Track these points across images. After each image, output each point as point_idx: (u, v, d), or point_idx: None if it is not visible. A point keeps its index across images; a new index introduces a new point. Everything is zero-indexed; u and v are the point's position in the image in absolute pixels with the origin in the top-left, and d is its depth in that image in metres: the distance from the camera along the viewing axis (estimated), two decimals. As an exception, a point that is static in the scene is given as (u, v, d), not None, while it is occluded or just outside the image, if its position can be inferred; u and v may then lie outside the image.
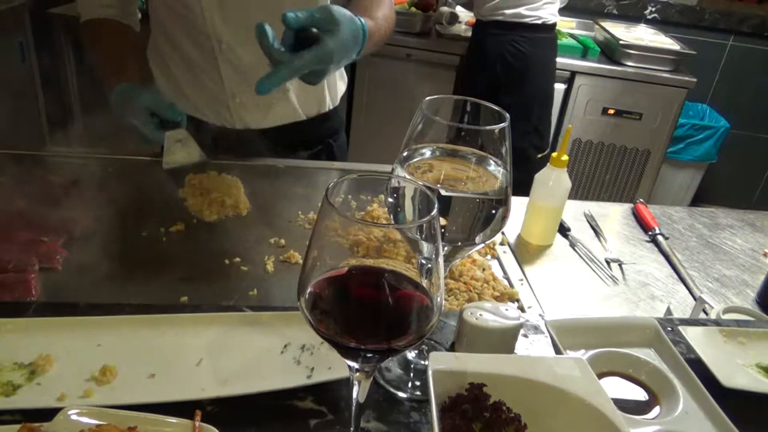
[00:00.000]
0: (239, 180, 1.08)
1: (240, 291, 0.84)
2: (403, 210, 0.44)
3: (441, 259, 0.38)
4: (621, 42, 2.53)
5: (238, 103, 1.19)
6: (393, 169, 0.50)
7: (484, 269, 0.91)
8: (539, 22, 2.25)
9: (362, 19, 0.87)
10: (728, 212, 1.34)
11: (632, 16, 2.97)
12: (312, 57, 0.79)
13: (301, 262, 0.91)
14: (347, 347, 0.39)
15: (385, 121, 2.74)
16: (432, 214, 0.36)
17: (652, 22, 2.96)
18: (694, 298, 0.98)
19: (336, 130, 1.36)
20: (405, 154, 0.51)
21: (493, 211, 0.48)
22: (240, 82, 1.17)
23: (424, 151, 0.51)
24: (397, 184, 0.46)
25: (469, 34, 2.65)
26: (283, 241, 0.95)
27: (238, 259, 0.90)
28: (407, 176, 0.48)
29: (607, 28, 2.63)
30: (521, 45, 2.25)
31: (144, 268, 0.86)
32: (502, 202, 0.49)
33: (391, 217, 0.47)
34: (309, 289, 0.40)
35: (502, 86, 2.30)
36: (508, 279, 0.95)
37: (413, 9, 2.66)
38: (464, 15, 2.76)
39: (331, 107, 1.30)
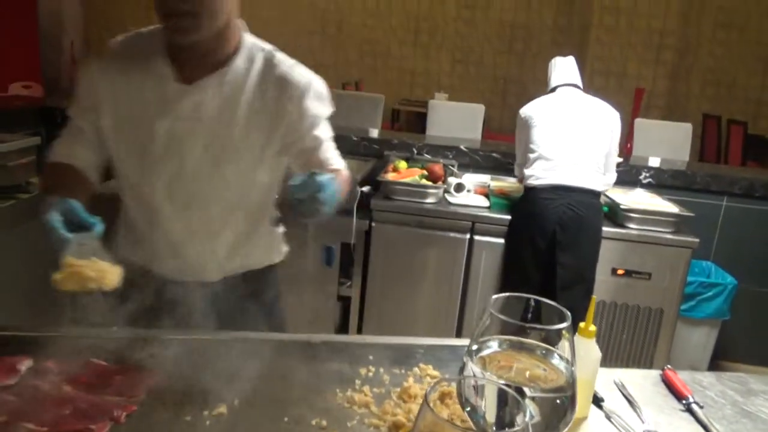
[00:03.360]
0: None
1: (287, 478, 0.83)
2: (481, 406, 0.47)
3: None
4: (622, 206, 2.68)
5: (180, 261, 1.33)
6: (464, 364, 0.54)
7: (529, 448, 0.90)
8: (591, 187, 2.51)
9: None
10: (758, 377, 1.33)
11: (628, 181, 3.16)
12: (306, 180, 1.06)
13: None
14: None
15: (400, 285, 2.81)
16: (526, 419, 0.39)
17: (647, 186, 3.14)
18: (743, 474, 0.95)
19: (262, 291, 1.45)
20: (475, 347, 0.55)
21: (565, 406, 0.51)
22: (179, 246, 1.31)
23: (491, 344, 0.54)
24: (474, 382, 0.49)
25: (475, 201, 2.82)
26: (324, 422, 0.95)
27: (281, 443, 0.90)
28: (486, 374, 0.52)
29: (607, 193, 2.79)
30: (578, 208, 2.46)
31: (189, 455, 0.85)
32: (572, 397, 0.52)
33: (466, 413, 0.50)
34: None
35: (560, 247, 2.48)
36: (552, 457, 0.93)
37: (424, 181, 2.84)
38: (470, 184, 2.94)
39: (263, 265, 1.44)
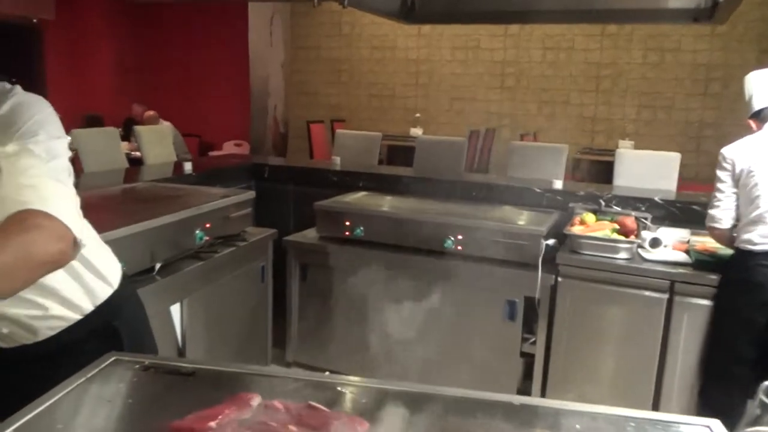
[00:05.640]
0: None
1: None
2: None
3: None
4: None
5: (5, 334, 1.21)
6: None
7: None
8: None
9: None
10: None
11: None
12: None
13: None
14: None
15: (588, 346, 2.66)
16: None
17: None
18: None
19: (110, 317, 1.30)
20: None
21: None
22: None
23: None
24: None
25: (674, 258, 2.60)
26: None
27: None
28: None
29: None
30: None
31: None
32: None
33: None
34: None
35: None
36: None
37: (615, 234, 2.69)
38: (667, 239, 2.72)
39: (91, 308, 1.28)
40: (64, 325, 1.25)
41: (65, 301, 1.24)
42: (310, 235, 3.20)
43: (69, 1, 7.54)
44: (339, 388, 1.20)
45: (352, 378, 1.25)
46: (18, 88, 1.09)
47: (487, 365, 2.76)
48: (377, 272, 3.01)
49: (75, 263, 1.22)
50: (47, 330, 1.23)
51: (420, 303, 2.96)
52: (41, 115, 1.05)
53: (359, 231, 3.03)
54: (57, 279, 1.20)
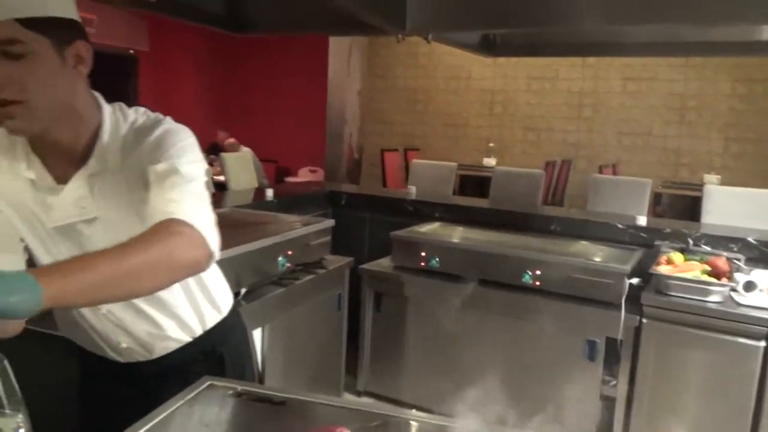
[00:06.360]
0: None
1: None
2: None
3: None
4: None
5: (124, 348, 1.27)
6: None
7: None
8: None
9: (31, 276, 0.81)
10: None
11: None
12: None
13: None
14: None
15: (674, 392, 2.53)
16: None
17: None
18: None
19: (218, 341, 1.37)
20: None
21: None
22: (121, 332, 1.25)
23: None
24: None
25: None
26: None
27: None
28: None
29: None
30: None
31: None
32: None
33: None
34: None
35: None
36: None
37: (705, 276, 2.56)
38: (763, 282, 2.57)
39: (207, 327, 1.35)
40: (175, 346, 1.31)
41: (181, 322, 1.31)
42: (385, 264, 3.22)
43: (162, 34, 8.02)
44: (415, 424, 1.20)
45: (435, 416, 1.24)
46: (169, 119, 1.23)
47: (564, 406, 2.66)
48: (452, 304, 2.99)
49: (193, 286, 1.31)
50: (161, 349, 1.30)
51: (495, 337, 2.92)
52: (186, 141, 1.17)
53: (435, 262, 3.03)
54: (176, 299, 1.28)
